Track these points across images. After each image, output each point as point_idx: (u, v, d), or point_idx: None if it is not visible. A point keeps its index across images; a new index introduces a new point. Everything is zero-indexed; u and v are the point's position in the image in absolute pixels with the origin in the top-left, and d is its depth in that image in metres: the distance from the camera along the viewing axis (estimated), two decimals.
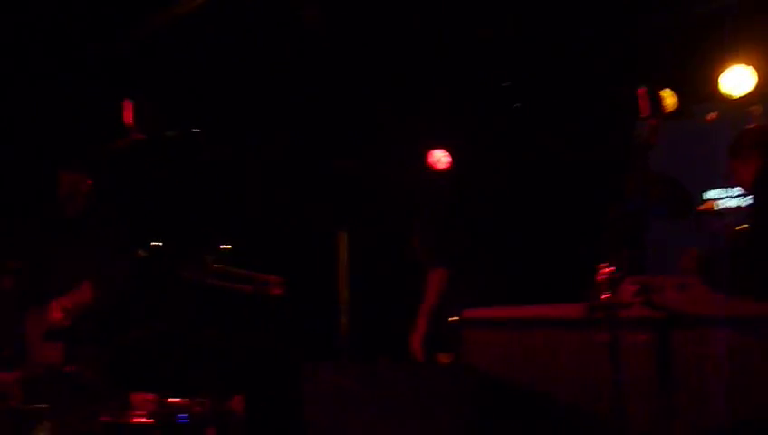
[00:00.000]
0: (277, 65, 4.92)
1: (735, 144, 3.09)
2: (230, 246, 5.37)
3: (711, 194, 4.64)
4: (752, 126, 3.46)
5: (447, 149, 5.39)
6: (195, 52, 4.58)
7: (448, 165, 5.36)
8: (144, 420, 3.19)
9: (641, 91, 2.75)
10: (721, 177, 3.21)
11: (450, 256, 3.13)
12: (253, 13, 4.48)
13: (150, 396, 3.21)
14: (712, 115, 3.09)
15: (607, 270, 2.11)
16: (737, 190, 4.43)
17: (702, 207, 3.53)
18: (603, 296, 2.10)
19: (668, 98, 2.91)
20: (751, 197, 3.04)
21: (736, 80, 4.42)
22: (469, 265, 3.35)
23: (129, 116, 2.88)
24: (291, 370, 3.89)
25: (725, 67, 4.44)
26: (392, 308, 5.37)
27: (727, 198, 4.57)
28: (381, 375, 4.41)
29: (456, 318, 2.59)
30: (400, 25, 4.68)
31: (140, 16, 4.33)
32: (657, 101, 2.74)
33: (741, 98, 4.43)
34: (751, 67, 4.40)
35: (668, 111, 2.85)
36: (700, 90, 4.46)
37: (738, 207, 4.17)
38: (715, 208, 3.59)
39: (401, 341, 5.07)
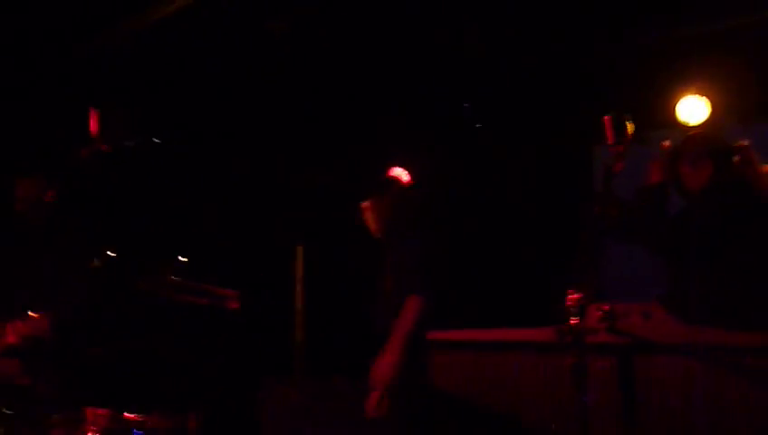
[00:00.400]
0: (241, 77, 4.89)
1: (687, 150, 3.14)
2: (186, 259, 5.31)
3: None
4: (696, 132, 3.51)
5: (407, 168, 5.42)
6: (161, 60, 4.54)
7: (408, 183, 5.38)
8: None
9: (607, 118, 2.80)
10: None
11: (434, 283, 3.14)
12: (218, 23, 4.46)
13: (103, 411, 3.14)
14: (666, 143, 3.16)
15: (574, 296, 2.15)
16: None
17: None
18: (571, 321, 2.13)
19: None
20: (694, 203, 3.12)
21: (692, 109, 4.55)
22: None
23: (94, 125, 2.83)
24: (247, 385, 3.85)
25: (681, 96, 4.56)
26: (348, 323, 5.36)
27: None
28: (337, 392, 4.40)
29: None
30: (365, 40, 4.70)
31: (108, 23, 4.27)
32: (622, 128, 2.80)
33: (696, 126, 4.56)
34: (705, 98, 4.53)
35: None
36: (657, 117, 4.58)
37: None
38: None
39: (357, 357, 5.06)
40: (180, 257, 5.34)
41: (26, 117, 4.47)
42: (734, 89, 4.44)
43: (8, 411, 3.06)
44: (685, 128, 4.61)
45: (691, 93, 4.53)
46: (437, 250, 3.24)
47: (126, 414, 3.13)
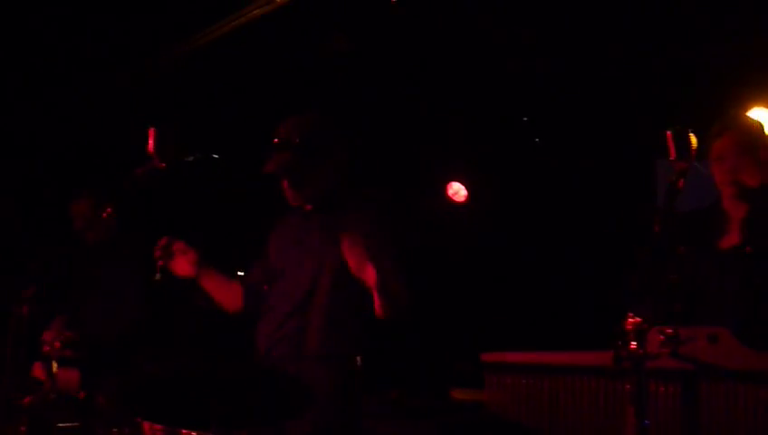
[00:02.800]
0: (297, 91, 4.92)
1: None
2: (242, 273, 5.34)
3: None
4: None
5: (465, 182, 5.38)
6: (221, 77, 4.59)
7: (466, 198, 5.34)
8: None
9: (669, 133, 2.72)
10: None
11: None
12: (271, 39, 4.49)
13: (160, 426, 3.16)
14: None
15: (634, 320, 2.07)
16: None
17: None
18: (630, 346, 2.05)
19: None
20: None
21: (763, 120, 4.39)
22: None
23: (151, 144, 2.86)
24: (307, 402, 3.84)
25: (748, 108, 4.42)
26: (405, 339, 5.32)
27: None
28: (397, 408, 4.36)
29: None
30: (422, 54, 4.68)
31: (158, 44, 4.34)
32: (685, 143, 2.71)
33: None
34: None
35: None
36: None
37: None
38: None
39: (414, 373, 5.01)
40: (239, 272, 5.38)
41: (84, 136, 4.58)
42: None
43: (66, 425, 3.10)
44: None
45: (758, 105, 4.39)
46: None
47: (183, 431, 3.15)
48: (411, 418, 3.96)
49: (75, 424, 3.18)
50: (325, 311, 2.91)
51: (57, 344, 3.25)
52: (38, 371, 3.41)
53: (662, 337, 2.19)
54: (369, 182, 5.52)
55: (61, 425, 3.07)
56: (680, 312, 2.48)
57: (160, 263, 3.08)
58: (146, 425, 3.21)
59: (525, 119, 5.21)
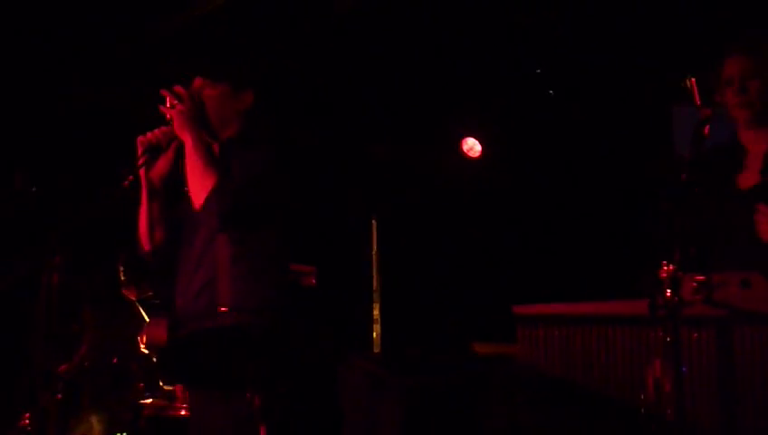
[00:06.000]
0: (308, 51, 4.88)
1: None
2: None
3: None
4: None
5: (480, 138, 5.36)
6: (233, 31, 4.55)
7: (481, 153, 5.32)
8: (187, 413, 3.19)
9: (692, 80, 2.68)
10: None
11: None
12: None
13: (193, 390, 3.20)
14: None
15: (668, 267, 2.07)
16: None
17: None
18: (665, 294, 2.06)
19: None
20: None
21: None
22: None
23: (169, 104, 2.84)
24: (327, 362, 3.86)
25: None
26: (424, 297, 5.35)
27: None
28: (413, 364, 4.39)
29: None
30: (437, 10, 4.63)
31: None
32: (709, 90, 2.68)
33: None
34: None
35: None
36: None
37: None
38: None
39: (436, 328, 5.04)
40: None
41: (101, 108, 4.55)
42: None
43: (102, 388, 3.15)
44: None
45: None
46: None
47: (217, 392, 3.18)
48: (437, 373, 4.00)
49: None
50: (228, 261, 2.76)
51: None
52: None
53: (695, 284, 2.19)
54: (384, 138, 5.51)
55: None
56: (696, 257, 2.42)
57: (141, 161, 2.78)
58: (178, 388, 3.26)
59: (538, 71, 5.16)
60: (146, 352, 3.24)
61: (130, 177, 2.87)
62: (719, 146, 2.76)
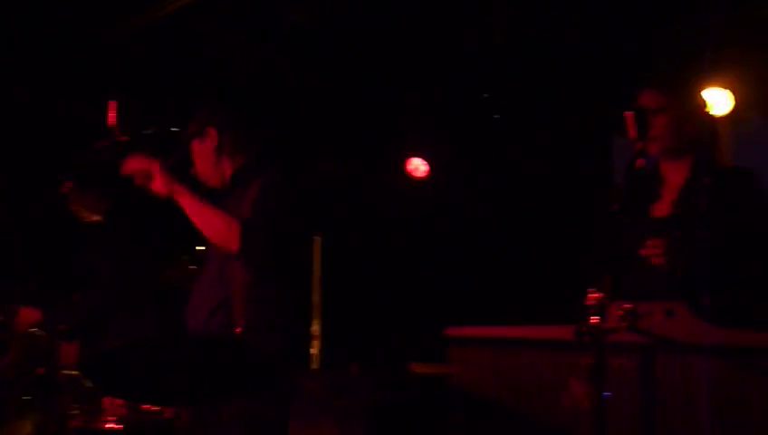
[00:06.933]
0: (259, 66, 4.88)
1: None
2: (203, 248, 5.30)
3: None
4: None
5: (426, 158, 5.40)
6: (177, 51, 4.53)
7: (426, 174, 5.37)
8: (114, 425, 3.13)
9: (628, 114, 2.75)
10: None
11: None
12: (234, 12, 4.44)
13: (121, 402, 3.15)
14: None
15: (594, 295, 2.12)
16: None
17: None
18: (590, 320, 2.10)
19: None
20: None
21: (715, 101, 4.49)
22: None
23: (112, 117, 2.83)
24: (270, 378, 3.84)
25: (705, 88, 4.50)
26: (365, 313, 5.35)
27: None
28: (355, 383, 4.39)
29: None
30: (385, 31, 4.67)
31: (117, 16, 4.26)
32: (645, 124, 2.75)
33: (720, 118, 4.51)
34: (728, 90, 4.48)
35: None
36: None
37: None
38: None
39: (374, 347, 5.05)
40: (198, 247, 5.34)
41: (43, 111, 4.48)
42: (757, 81, 4.38)
43: (29, 398, 3.08)
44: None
45: (715, 85, 4.48)
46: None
47: (143, 405, 3.14)
48: (373, 391, 4.00)
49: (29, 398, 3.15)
50: (242, 285, 2.90)
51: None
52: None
53: (621, 312, 2.24)
54: (330, 157, 5.52)
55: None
56: (614, 284, 2.43)
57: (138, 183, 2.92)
58: (106, 400, 3.20)
59: (486, 95, 5.24)
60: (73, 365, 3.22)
61: (68, 183, 2.87)
62: (643, 174, 2.79)
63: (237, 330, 2.89)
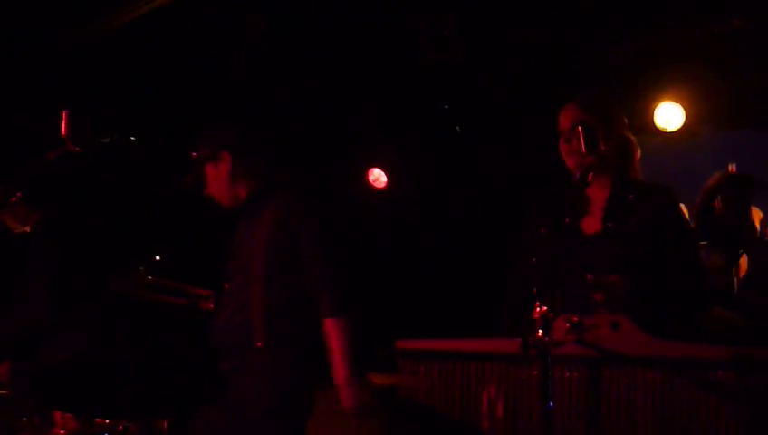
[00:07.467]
0: (215, 75, 4.86)
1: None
2: (161, 258, 5.25)
3: None
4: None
5: (386, 169, 5.42)
6: (137, 59, 4.50)
7: (386, 184, 5.38)
8: None
9: (579, 128, 2.79)
10: None
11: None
12: (190, 21, 4.43)
13: (72, 415, 3.11)
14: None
15: (540, 308, 2.14)
16: None
17: None
18: (536, 334, 2.13)
19: None
20: None
21: (668, 115, 4.58)
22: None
23: (64, 127, 2.80)
24: (221, 388, 3.81)
25: (657, 102, 4.59)
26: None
27: None
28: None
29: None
30: (343, 42, 4.69)
31: (71, 24, 4.23)
32: (595, 138, 2.79)
33: (673, 132, 4.60)
34: (680, 105, 4.56)
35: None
36: (633, 124, 4.59)
37: None
38: None
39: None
40: (155, 256, 5.29)
41: None
42: (709, 96, 4.47)
43: None
44: (661, 134, 4.65)
45: (667, 100, 4.56)
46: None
47: (96, 419, 3.10)
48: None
49: None
50: (261, 302, 3.01)
51: None
52: None
53: (568, 325, 2.28)
54: (289, 168, 5.50)
55: None
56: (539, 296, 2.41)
57: None
58: (57, 414, 3.16)
59: (446, 106, 5.28)
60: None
61: (18, 193, 2.85)
62: (570, 187, 2.79)
63: (258, 344, 2.99)
